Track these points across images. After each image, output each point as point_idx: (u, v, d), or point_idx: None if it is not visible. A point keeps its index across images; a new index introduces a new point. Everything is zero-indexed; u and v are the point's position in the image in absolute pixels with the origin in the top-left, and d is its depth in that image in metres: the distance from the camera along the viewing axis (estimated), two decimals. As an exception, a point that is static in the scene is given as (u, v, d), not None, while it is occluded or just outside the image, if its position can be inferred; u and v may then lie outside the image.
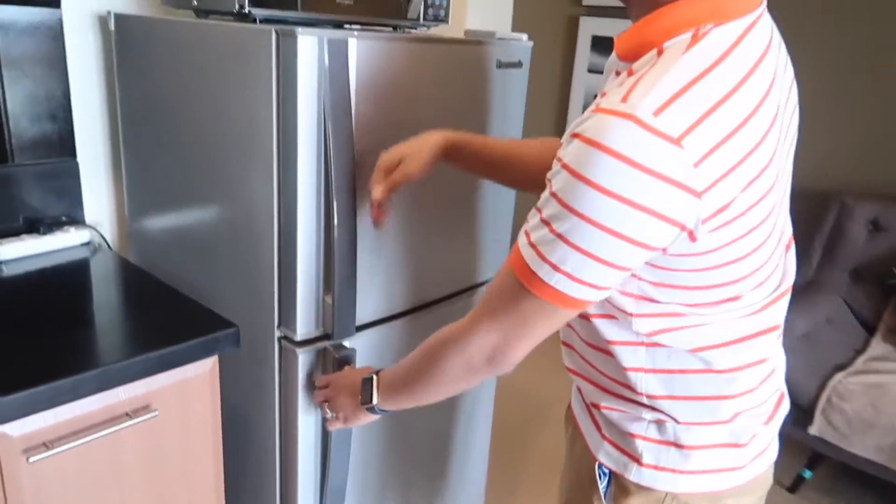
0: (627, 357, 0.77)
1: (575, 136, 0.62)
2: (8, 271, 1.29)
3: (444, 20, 1.42)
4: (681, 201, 0.60)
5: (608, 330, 0.77)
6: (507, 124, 1.42)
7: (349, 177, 1.10)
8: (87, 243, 1.43)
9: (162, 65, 1.29)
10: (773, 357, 0.81)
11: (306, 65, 1.02)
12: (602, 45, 2.66)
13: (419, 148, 1.02)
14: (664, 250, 0.65)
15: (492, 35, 1.34)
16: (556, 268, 0.65)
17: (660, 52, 0.63)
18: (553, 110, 2.81)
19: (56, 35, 1.36)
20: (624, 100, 0.59)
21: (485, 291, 0.79)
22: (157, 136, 1.36)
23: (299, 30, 1.00)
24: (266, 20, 1.17)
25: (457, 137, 1.03)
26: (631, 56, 0.67)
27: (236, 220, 1.22)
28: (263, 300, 1.20)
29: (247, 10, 1.13)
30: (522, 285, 0.69)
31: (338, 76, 1.05)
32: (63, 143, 1.42)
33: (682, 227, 0.62)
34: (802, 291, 2.35)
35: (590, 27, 2.64)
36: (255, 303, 1.22)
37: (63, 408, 0.94)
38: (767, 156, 0.64)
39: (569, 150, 0.62)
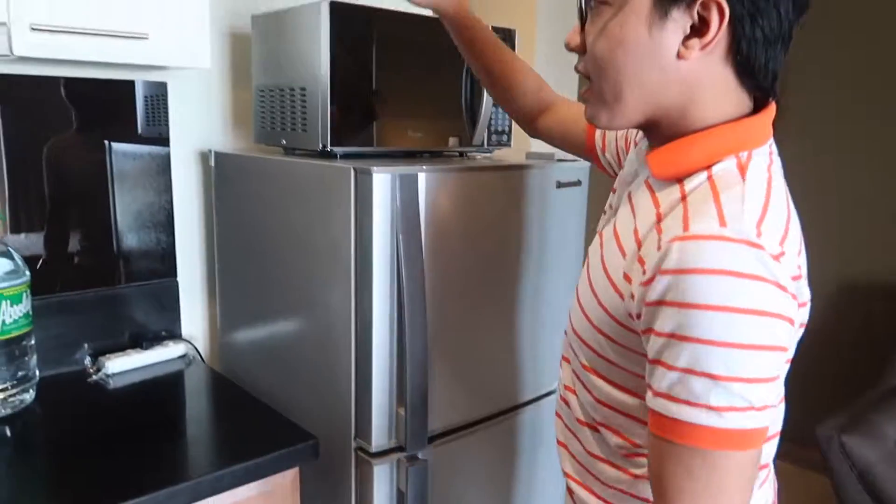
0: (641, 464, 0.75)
1: (678, 272, 0.60)
2: (114, 384, 1.42)
3: (507, 144, 1.54)
4: (789, 304, 0.61)
5: (634, 434, 0.75)
6: (567, 240, 1.49)
7: (420, 295, 1.18)
8: (183, 356, 1.55)
9: (254, 194, 1.45)
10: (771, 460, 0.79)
11: (380, 197, 1.14)
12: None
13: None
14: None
15: (552, 157, 1.43)
16: (719, 409, 0.60)
17: (710, 177, 0.67)
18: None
19: (164, 169, 1.55)
20: (722, 224, 0.60)
21: (653, 491, 0.68)
22: (248, 256, 1.50)
23: (374, 168, 1.12)
24: (346, 155, 1.31)
25: (469, 21, 1.11)
26: (673, 177, 0.69)
27: (317, 335, 1.32)
28: (341, 411, 1.27)
29: (329, 149, 1.27)
30: (694, 448, 0.61)
31: (408, 206, 1.15)
32: (166, 264, 1.58)
33: (792, 324, 0.63)
34: (892, 396, 2.22)
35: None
36: (332, 414, 1.29)
37: (159, 518, 1.02)
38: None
39: (674, 288, 0.60)
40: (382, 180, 1.13)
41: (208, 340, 1.69)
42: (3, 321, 1.22)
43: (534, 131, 1.17)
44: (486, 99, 1.42)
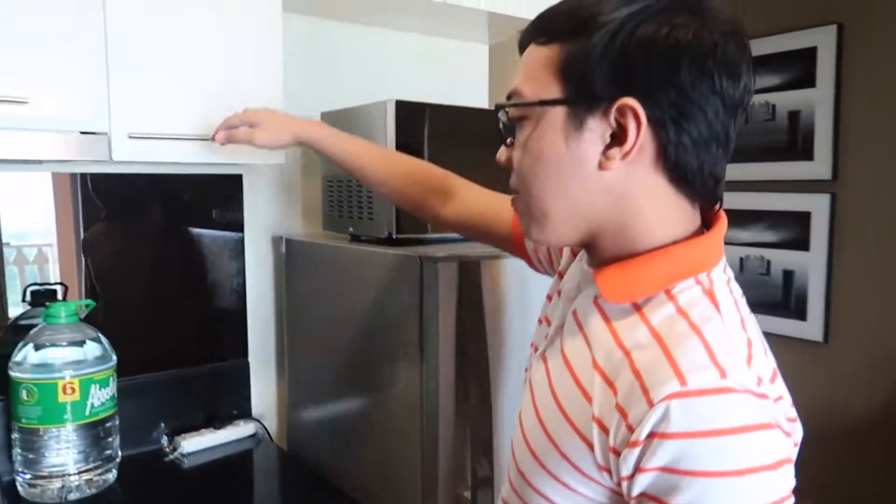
0: None
1: (688, 436, 0.54)
2: (189, 463, 1.47)
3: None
4: (789, 444, 0.60)
5: None
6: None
7: (485, 376, 1.21)
8: (253, 435, 1.60)
9: (323, 278, 1.52)
10: None
11: (445, 283, 1.18)
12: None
13: (279, 129, 1.17)
14: None
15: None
16: None
17: (678, 308, 0.61)
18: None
19: (238, 254, 1.64)
20: (723, 375, 0.55)
21: None
22: (316, 337, 1.56)
23: (439, 255, 1.17)
24: (408, 241, 1.37)
25: (312, 137, 1.15)
26: (626, 300, 0.64)
27: (383, 415, 1.35)
28: (408, 491, 1.28)
29: (394, 237, 1.34)
30: None
31: (471, 290, 1.20)
32: (238, 345, 1.66)
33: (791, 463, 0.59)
34: None
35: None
36: (399, 492, 1.30)
37: None
38: None
39: (687, 455, 0.54)
40: (447, 267, 1.18)
41: (276, 419, 1.74)
42: (92, 404, 1.30)
43: (439, 222, 1.11)
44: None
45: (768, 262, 2.38)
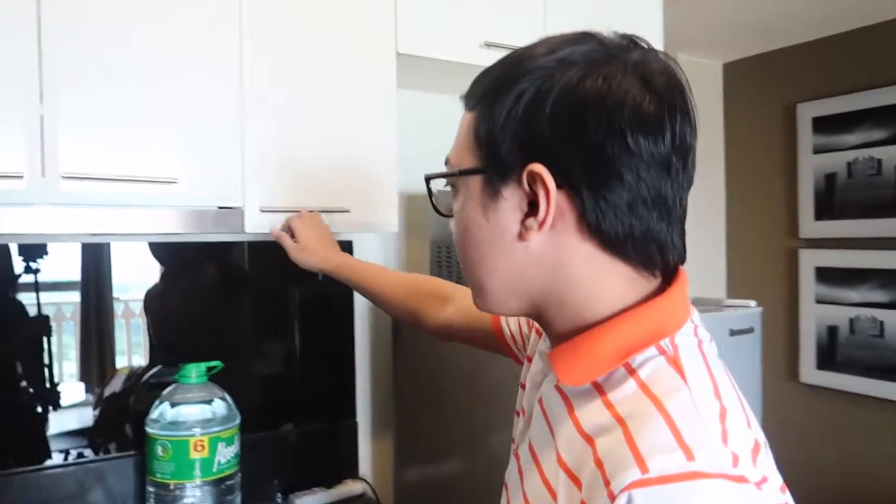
0: None
1: None
2: (305, 521, 1.52)
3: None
4: None
5: None
6: (744, 391, 1.45)
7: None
8: (361, 495, 1.64)
9: (431, 343, 1.56)
10: None
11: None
12: (828, 275, 2.62)
13: (313, 254, 1.24)
14: None
15: (719, 303, 1.45)
16: None
17: (639, 382, 0.55)
18: (784, 351, 2.73)
19: (347, 317, 1.71)
20: (690, 458, 0.48)
21: None
22: (425, 400, 1.59)
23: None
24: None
25: (337, 265, 1.22)
26: (584, 381, 0.58)
27: (497, 479, 1.36)
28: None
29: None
30: None
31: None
32: (347, 406, 1.71)
33: None
34: None
35: (811, 259, 2.63)
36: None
37: None
38: None
39: None
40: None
41: (381, 478, 1.77)
42: (219, 461, 1.37)
43: (437, 328, 1.08)
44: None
45: (881, 323, 2.26)
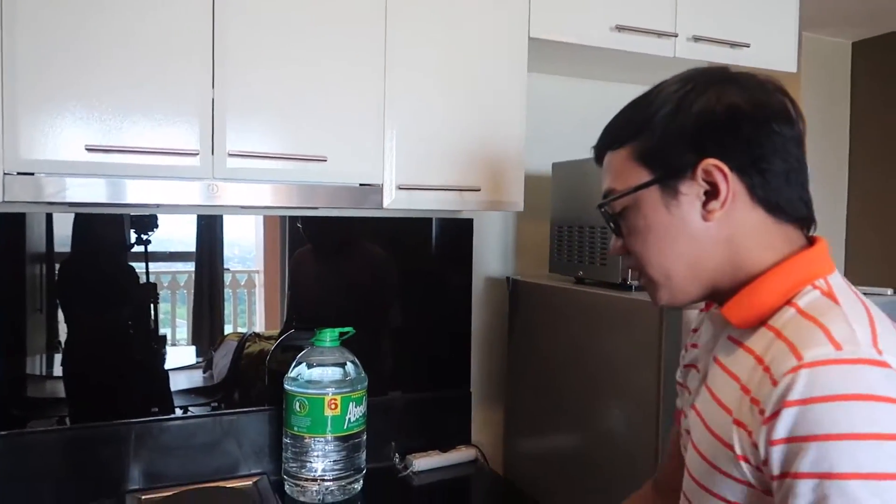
0: None
1: (806, 402, 0.58)
2: (418, 481, 1.61)
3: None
4: None
5: None
6: None
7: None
8: (474, 461, 1.72)
9: (547, 318, 1.61)
10: None
11: (687, 329, 1.22)
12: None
13: None
14: None
15: (886, 293, 1.41)
16: None
17: (799, 310, 0.66)
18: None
19: (465, 291, 1.79)
20: (837, 347, 0.59)
21: None
22: (537, 372, 1.65)
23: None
24: (638, 287, 1.42)
25: None
26: (755, 320, 0.69)
27: (608, 453, 1.40)
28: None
29: (629, 283, 1.40)
30: None
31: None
32: (462, 376, 1.79)
33: None
34: None
35: None
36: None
37: None
38: None
39: (805, 419, 0.58)
40: (690, 315, 1.22)
41: (492, 447, 1.85)
42: (349, 419, 1.48)
43: None
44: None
45: None
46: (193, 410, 1.56)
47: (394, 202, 1.38)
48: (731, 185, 0.70)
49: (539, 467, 1.65)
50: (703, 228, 0.72)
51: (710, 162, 0.70)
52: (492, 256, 1.85)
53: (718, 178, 0.70)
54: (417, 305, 1.74)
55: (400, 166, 1.38)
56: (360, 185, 1.35)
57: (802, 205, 0.72)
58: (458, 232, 1.77)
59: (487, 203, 1.46)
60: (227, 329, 1.61)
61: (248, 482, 1.53)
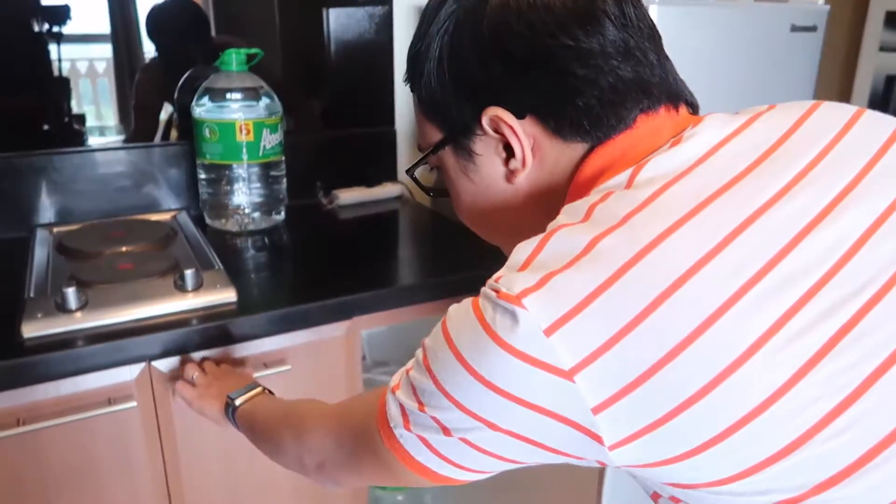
0: None
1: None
2: (343, 215, 1.61)
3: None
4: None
5: None
6: (797, 88, 1.42)
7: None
8: (399, 196, 1.71)
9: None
10: None
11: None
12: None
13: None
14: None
15: (785, -3, 1.36)
16: (423, 441, 0.51)
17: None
18: (836, 86, 2.63)
19: (386, 25, 1.66)
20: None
21: (350, 401, 0.67)
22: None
23: None
24: None
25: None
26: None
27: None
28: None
29: None
30: (381, 438, 0.55)
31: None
32: (385, 115, 1.73)
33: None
34: None
35: (884, 2, 2.40)
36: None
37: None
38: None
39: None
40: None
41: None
42: (264, 146, 1.42)
43: None
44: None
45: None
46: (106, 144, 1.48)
47: None
48: (528, 133, 0.54)
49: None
50: (513, 192, 0.58)
51: (490, 112, 0.54)
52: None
53: (505, 130, 0.55)
54: (336, 47, 1.62)
55: None
56: None
57: (642, 96, 0.53)
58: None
59: None
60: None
61: (167, 216, 1.50)
